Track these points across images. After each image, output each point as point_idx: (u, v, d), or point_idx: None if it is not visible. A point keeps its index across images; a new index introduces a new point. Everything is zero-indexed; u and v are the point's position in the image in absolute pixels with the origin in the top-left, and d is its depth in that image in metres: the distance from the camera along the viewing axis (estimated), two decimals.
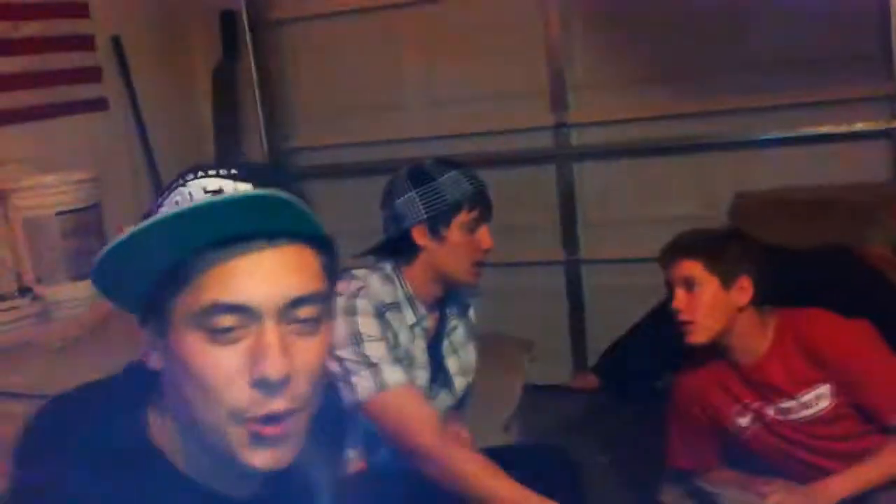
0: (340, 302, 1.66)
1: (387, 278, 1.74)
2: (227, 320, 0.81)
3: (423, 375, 1.76)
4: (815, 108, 3.04)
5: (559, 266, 3.43)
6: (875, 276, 2.34)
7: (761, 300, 1.83)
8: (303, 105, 3.69)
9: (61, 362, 1.91)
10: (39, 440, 0.91)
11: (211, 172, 0.85)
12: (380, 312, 1.67)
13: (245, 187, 0.83)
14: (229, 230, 0.81)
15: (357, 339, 1.61)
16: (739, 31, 3.08)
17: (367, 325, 1.64)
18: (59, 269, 2.55)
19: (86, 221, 2.63)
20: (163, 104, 3.34)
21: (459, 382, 1.86)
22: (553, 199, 3.40)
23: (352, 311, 1.64)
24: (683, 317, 1.80)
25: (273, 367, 0.80)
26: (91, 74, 3.02)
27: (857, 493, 1.71)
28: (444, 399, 1.84)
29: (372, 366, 1.60)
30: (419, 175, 1.74)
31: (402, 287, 1.75)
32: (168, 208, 0.84)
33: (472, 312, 1.93)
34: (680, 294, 1.81)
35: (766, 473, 1.85)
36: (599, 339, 3.16)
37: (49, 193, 2.55)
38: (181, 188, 0.85)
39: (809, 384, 1.80)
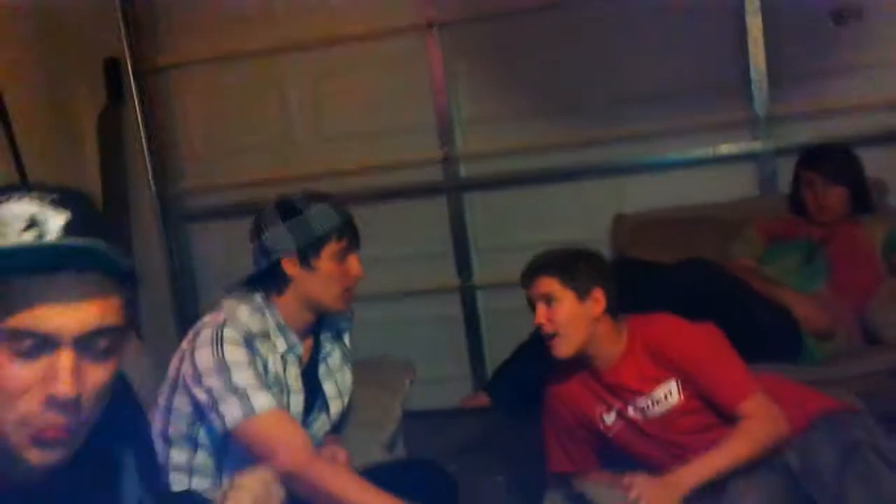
0: (207, 333, 1.68)
1: (256, 308, 1.76)
2: (28, 343, 0.88)
3: (297, 401, 1.79)
4: (685, 134, 3.23)
5: (455, 293, 3.51)
6: (735, 283, 2.49)
7: (615, 310, 1.98)
8: (191, 148, 3.68)
9: None
10: None
11: (27, 196, 0.91)
12: (247, 341, 1.69)
13: (62, 216, 0.90)
14: (42, 266, 0.88)
15: (224, 367, 1.63)
16: (613, 66, 3.26)
17: (234, 352, 1.66)
18: None
19: None
20: (47, 155, 3.27)
21: (335, 405, 1.90)
22: (446, 229, 3.48)
23: (218, 341, 1.66)
24: (547, 330, 1.93)
25: (63, 389, 0.88)
26: None
27: (711, 480, 1.81)
28: (323, 422, 1.87)
29: (240, 392, 1.62)
30: (287, 208, 1.79)
31: (273, 316, 1.77)
32: None
33: (347, 337, 1.97)
34: (541, 310, 1.95)
35: (639, 470, 1.93)
36: (497, 361, 3.24)
37: None
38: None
39: (658, 381, 1.93)
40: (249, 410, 1.61)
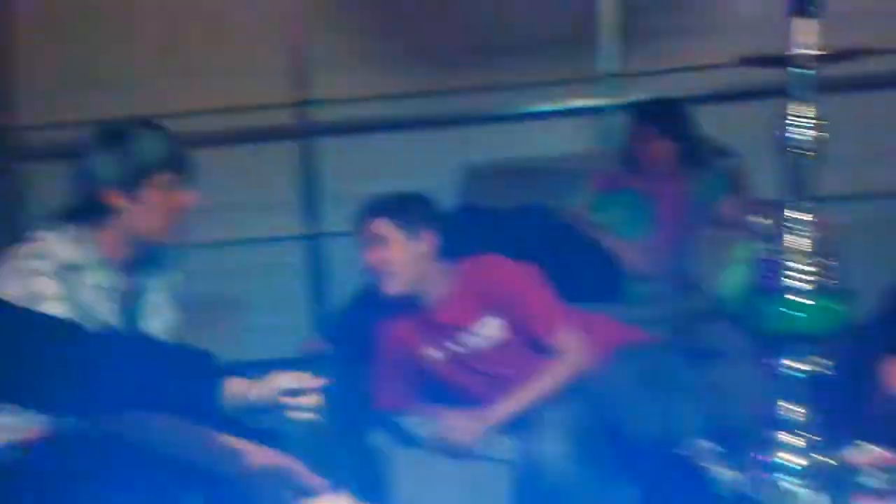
0: (17, 263, 1.60)
1: (70, 240, 1.67)
2: None
3: None
4: (534, 87, 3.31)
5: (299, 240, 3.49)
6: (568, 229, 2.62)
7: (444, 252, 2.05)
8: (28, 81, 3.46)
9: None
10: None
11: None
12: (59, 273, 1.62)
13: None
14: None
15: (34, 299, 1.57)
16: (469, 16, 3.29)
17: (45, 284, 1.58)
18: None
19: None
20: None
21: None
22: (295, 176, 3.45)
23: (28, 273, 1.58)
24: (378, 269, 1.98)
25: None
26: None
27: (520, 412, 1.92)
28: None
29: None
30: (112, 135, 1.70)
31: (89, 249, 1.69)
32: None
33: (174, 274, 1.92)
34: (373, 250, 1.99)
35: (460, 406, 2.02)
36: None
37: None
38: None
39: (482, 318, 2.02)
40: None
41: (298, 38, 3.34)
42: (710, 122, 2.93)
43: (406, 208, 2.05)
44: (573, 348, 1.97)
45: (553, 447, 1.80)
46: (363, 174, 3.39)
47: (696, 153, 2.87)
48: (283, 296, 3.37)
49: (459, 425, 1.90)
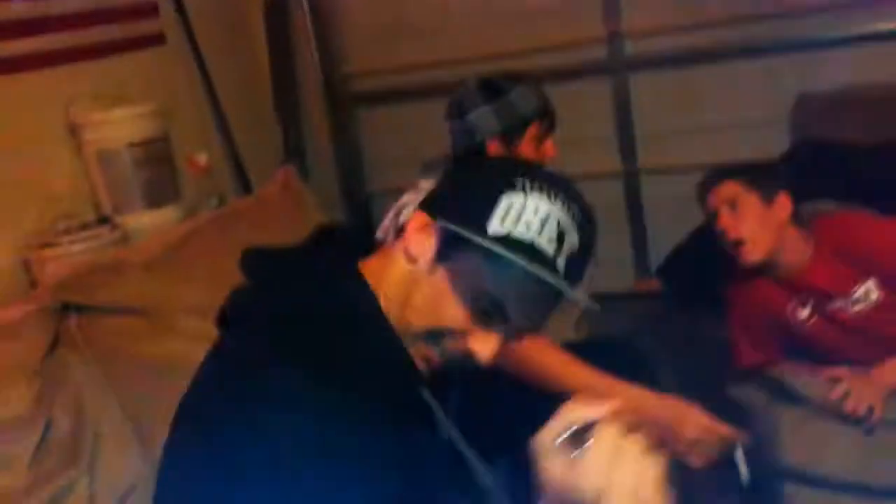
0: (410, 211, 1.72)
1: None
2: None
3: None
4: (876, 5, 2.96)
5: (618, 177, 3.44)
6: None
7: (800, 217, 1.93)
8: (355, 31, 3.68)
9: (146, 279, 2.00)
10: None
11: (568, 209, 1.01)
12: None
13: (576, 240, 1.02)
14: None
15: None
16: None
17: None
18: (134, 199, 2.66)
19: (155, 152, 2.72)
20: (217, 36, 3.38)
21: None
22: (609, 112, 3.38)
23: None
24: (732, 235, 1.88)
25: (484, 356, 1.02)
26: (148, 11, 3.07)
27: None
28: None
29: None
30: (492, 89, 1.80)
31: None
32: (516, 220, 0.97)
33: None
34: (725, 214, 1.89)
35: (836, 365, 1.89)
36: (660, 247, 3.20)
37: (119, 126, 2.63)
38: (517, 195, 0.99)
39: (855, 282, 1.87)
40: None
41: None
42: None
43: (758, 169, 1.96)
44: None
45: None
46: (684, 109, 3.28)
47: None
48: (606, 234, 3.35)
49: (856, 385, 1.77)
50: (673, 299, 2.62)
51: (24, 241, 2.43)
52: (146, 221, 2.61)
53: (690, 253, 2.57)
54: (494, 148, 1.77)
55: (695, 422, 1.47)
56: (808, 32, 3.04)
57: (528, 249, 0.95)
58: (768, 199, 1.90)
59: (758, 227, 1.88)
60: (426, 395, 1.02)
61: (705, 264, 2.27)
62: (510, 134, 1.76)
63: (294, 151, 3.59)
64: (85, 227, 2.46)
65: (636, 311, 2.90)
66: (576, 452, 0.82)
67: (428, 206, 1.02)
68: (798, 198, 2.13)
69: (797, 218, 1.92)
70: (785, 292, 1.95)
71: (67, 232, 2.41)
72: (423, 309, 0.98)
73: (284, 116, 3.60)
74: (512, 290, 0.96)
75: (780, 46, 3.09)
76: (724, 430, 1.45)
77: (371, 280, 1.02)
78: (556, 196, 0.98)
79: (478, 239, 0.94)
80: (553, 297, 1.00)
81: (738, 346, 2.05)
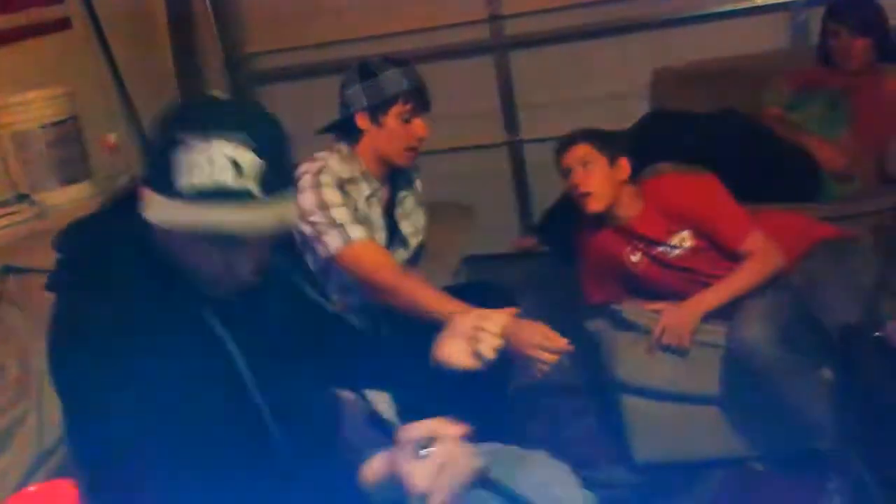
0: (307, 178, 1.99)
1: (344, 158, 2.07)
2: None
3: (380, 236, 2.11)
4: None
5: (503, 147, 3.77)
6: (763, 131, 2.73)
7: (634, 177, 2.30)
8: (254, 11, 3.88)
9: None
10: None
11: (230, 138, 1.09)
12: (340, 185, 2.00)
13: (259, 163, 1.10)
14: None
15: (323, 205, 1.95)
16: None
17: (331, 194, 1.97)
18: (49, 177, 2.82)
19: (67, 132, 2.87)
20: (121, 19, 3.52)
21: (413, 241, 2.22)
22: (493, 87, 3.70)
23: (317, 185, 1.97)
24: (583, 189, 2.24)
25: (251, 276, 1.19)
26: None
27: (725, 302, 2.16)
28: (401, 255, 2.20)
29: (338, 226, 1.95)
30: (366, 70, 2.06)
31: (358, 164, 2.08)
32: (190, 171, 1.08)
33: (417, 184, 2.27)
34: (578, 171, 2.25)
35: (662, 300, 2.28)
36: (543, 210, 3.54)
37: (32, 108, 2.78)
38: (201, 146, 1.09)
39: (672, 232, 2.26)
40: (347, 239, 1.94)
41: None
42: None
43: (606, 136, 2.31)
44: (763, 251, 2.15)
45: (756, 333, 2.02)
46: (559, 83, 3.61)
47: (891, 48, 2.85)
48: (493, 199, 3.67)
49: (674, 311, 2.16)
50: (546, 253, 2.95)
51: None
52: (62, 198, 2.78)
53: (559, 211, 2.90)
54: (362, 120, 2.05)
55: (537, 330, 1.73)
56: (663, 12, 3.43)
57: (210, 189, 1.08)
58: (612, 161, 2.27)
59: (603, 183, 2.24)
60: (207, 315, 1.20)
61: (570, 221, 2.61)
62: (375, 109, 2.03)
63: None
64: (4, 204, 2.63)
65: (520, 267, 3.24)
66: (421, 452, 1.12)
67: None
68: (644, 160, 2.50)
69: (632, 178, 2.29)
70: (621, 240, 2.32)
71: None
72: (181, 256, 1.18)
73: (189, 94, 3.77)
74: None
75: (637, 26, 3.46)
76: (556, 338, 1.71)
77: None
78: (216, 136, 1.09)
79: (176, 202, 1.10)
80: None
81: (587, 287, 2.43)
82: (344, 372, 1.48)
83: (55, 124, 2.84)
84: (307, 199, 1.96)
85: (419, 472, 1.11)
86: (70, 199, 2.80)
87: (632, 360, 2.24)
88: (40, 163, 2.82)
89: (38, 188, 2.82)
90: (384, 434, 1.59)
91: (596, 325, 2.38)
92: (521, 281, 3.07)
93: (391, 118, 2.04)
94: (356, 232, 1.96)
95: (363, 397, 1.63)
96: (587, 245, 2.40)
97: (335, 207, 1.96)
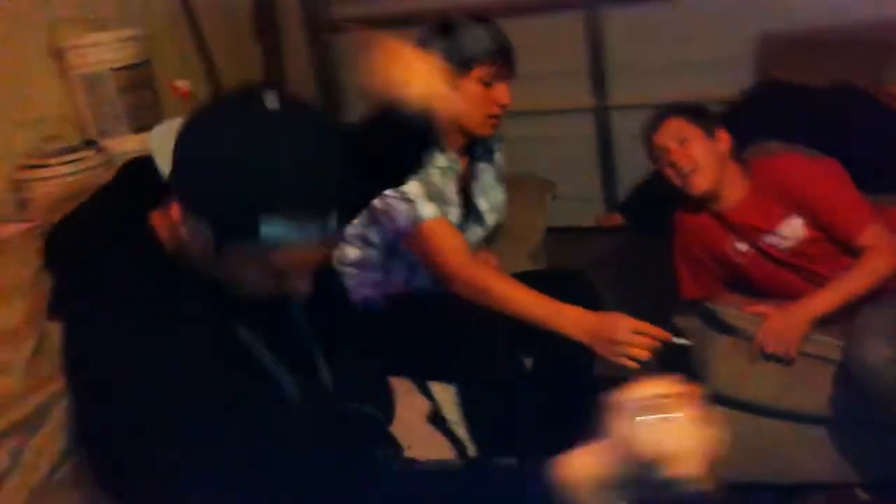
0: None
1: None
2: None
3: (455, 212, 1.95)
4: None
5: (589, 112, 3.54)
6: (885, 112, 2.45)
7: (739, 156, 2.10)
8: None
9: None
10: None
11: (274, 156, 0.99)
12: None
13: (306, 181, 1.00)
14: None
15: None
16: None
17: None
18: (119, 123, 2.75)
19: (139, 77, 2.79)
20: None
21: (490, 218, 2.05)
22: (581, 46, 3.46)
23: None
24: (685, 164, 2.03)
25: (304, 289, 1.08)
26: None
27: (839, 306, 1.93)
28: (476, 232, 2.04)
29: (409, 202, 1.80)
30: (444, 28, 1.88)
31: None
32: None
33: (499, 156, 2.09)
34: (674, 149, 2.04)
35: (768, 298, 2.05)
36: (630, 183, 3.31)
37: (104, 50, 2.70)
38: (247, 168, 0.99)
39: (783, 218, 2.03)
40: (417, 217, 1.79)
41: None
42: None
43: (697, 107, 2.10)
44: (882, 247, 1.92)
45: (879, 354, 1.76)
46: (653, 45, 3.36)
47: None
48: (576, 167, 3.46)
49: (777, 318, 1.94)
50: (633, 233, 2.75)
51: (14, 163, 2.54)
52: (130, 145, 2.69)
53: (649, 189, 2.70)
54: None
55: (623, 325, 1.61)
56: None
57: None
58: (709, 133, 2.06)
59: (705, 156, 2.04)
60: (242, 331, 1.10)
61: (662, 201, 2.40)
62: (454, 73, 1.85)
63: (273, 78, 3.66)
64: (72, 150, 2.55)
65: (602, 244, 3.04)
66: (642, 418, 0.97)
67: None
68: (749, 136, 2.27)
69: (737, 156, 2.06)
70: (724, 227, 2.10)
71: (55, 154, 2.51)
72: (228, 279, 1.07)
73: (265, 43, 3.65)
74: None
75: None
76: (651, 328, 1.60)
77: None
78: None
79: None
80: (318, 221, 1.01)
81: (682, 280, 2.21)
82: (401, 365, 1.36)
83: (127, 68, 2.75)
84: None
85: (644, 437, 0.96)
86: (139, 148, 2.72)
87: (729, 370, 2.01)
88: (110, 108, 2.75)
89: (106, 134, 2.75)
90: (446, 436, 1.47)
91: (688, 322, 2.16)
92: (603, 260, 2.87)
93: (471, 82, 1.85)
94: (427, 209, 1.80)
95: (427, 394, 1.51)
96: (684, 231, 2.19)
97: (407, 181, 1.80)
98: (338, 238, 1.07)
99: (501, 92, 1.86)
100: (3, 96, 2.55)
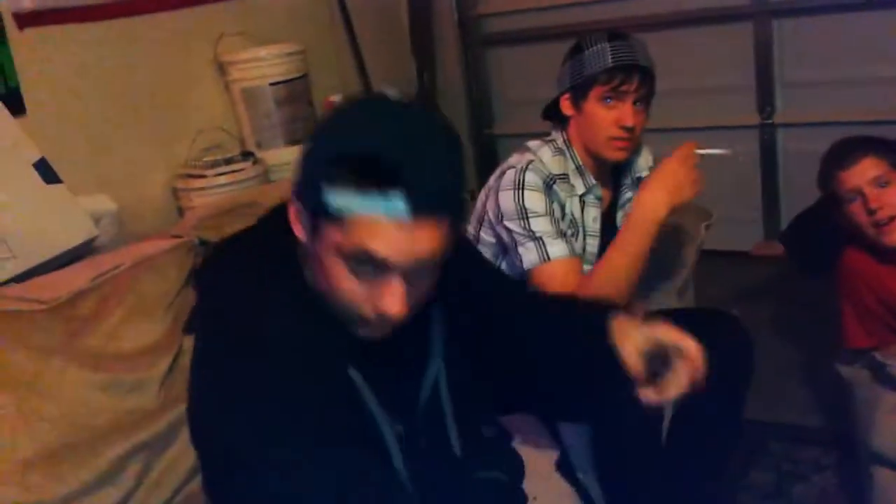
0: (510, 175, 1.75)
1: (557, 150, 1.81)
2: (365, 264, 0.98)
3: (593, 243, 1.85)
4: None
5: (753, 130, 3.33)
6: None
7: None
8: None
9: None
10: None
11: (383, 154, 0.96)
12: (548, 185, 1.74)
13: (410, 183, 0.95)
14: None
15: (523, 213, 1.72)
16: None
17: (533, 199, 1.72)
18: (275, 135, 2.83)
19: (296, 91, 2.87)
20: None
21: None
22: (749, 59, 3.26)
23: (520, 185, 1.73)
24: (882, 215, 1.83)
25: (393, 309, 0.99)
26: None
27: None
28: None
29: (536, 239, 1.71)
30: (575, 46, 1.79)
31: (573, 158, 1.82)
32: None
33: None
34: (873, 193, 1.83)
35: None
36: (793, 207, 3.09)
37: (264, 65, 2.79)
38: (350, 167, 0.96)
39: None
40: (545, 256, 1.71)
41: None
42: None
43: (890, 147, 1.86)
44: None
45: None
46: (828, 58, 3.12)
47: None
48: (736, 187, 3.26)
49: None
50: (794, 265, 2.54)
51: (175, 173, 2.67)
52: (285, 158, 2.77)
53: (816, 220, 2.49)
54: (566, 104, 1.79)
55: (674, 167, 1.69)
56: None
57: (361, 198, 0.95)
58: None
59: None
60: (353, 373, 1.06)
61: (829, 233, 2.21)
62: (577, 92, 1.76)
63: (427, 91, 3.68)
64: (229, 160, 2.65)
65: (758, 274, 2.84)
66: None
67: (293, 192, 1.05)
68: None
69: None
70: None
71: (213, 165, 2.62)
72: (328, 288, 1.03)
73: (419, 56, 3.68)
74: (372, 238, 0.96)
75: None
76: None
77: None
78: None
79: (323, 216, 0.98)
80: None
81: (848, 326, 1.99)
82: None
83: (285, 82, 2.83)
84: (507, 199, 1.74)
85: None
86: (292, 159, 2.79)
87: (894, 430, 1.82)
88: (268, 120, 2.84)
89: (262, 146, 2.84)
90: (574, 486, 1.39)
91: (854, 374, 1.96)
92: (757, 293, 2.68)
93: (591, 102, 1.74)
94: (556, 248, 1.71)
95: (555, 437, 1.43)
96: (853, 273, 1.97)
97: (535, 217, 1.72)
98: (432, 263, 1.01)
99: (624, 112, 1.72)
100: (169, 107, 2.68)
